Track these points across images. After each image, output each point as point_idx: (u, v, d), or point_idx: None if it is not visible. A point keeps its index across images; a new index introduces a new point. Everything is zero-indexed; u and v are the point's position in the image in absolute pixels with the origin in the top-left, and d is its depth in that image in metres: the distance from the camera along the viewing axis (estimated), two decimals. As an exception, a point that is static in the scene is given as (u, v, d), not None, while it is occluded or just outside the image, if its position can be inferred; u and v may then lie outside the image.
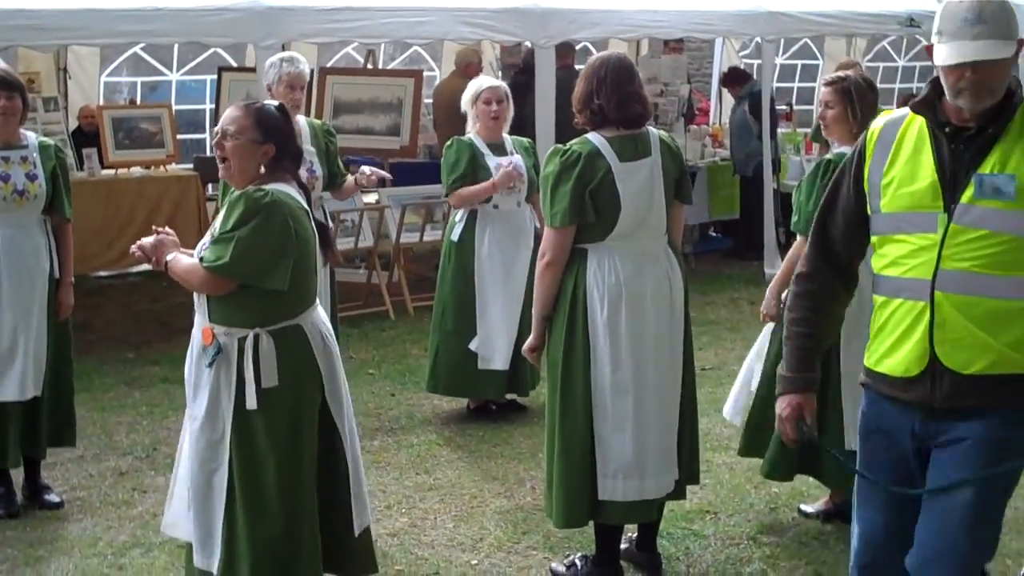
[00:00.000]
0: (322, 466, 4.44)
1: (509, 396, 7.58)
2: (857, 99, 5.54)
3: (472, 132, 7.34)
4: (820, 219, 3.75)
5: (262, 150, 4.32)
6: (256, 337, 4.24)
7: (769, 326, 5.86)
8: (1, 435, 5.94)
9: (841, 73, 5.78)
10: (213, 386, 4.28)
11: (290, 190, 4.34)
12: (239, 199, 4.22)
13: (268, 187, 4.27)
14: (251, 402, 4.24)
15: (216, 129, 4.40)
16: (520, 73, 11.97)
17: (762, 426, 5.72)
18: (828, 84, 5.67)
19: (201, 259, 4.23)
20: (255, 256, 4.19)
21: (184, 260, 4.34)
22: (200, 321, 4.34)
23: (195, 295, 4.36)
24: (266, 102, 4.52)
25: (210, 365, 4.27)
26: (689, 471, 5.29)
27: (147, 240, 4.43)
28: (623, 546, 5.32)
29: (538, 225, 6.97)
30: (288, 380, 4.28)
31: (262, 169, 4.35)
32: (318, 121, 7.43)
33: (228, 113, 4.38)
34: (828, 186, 3.78)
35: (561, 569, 5.30)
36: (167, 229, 4.50)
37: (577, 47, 12.60)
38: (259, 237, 4.18)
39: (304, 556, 4.37)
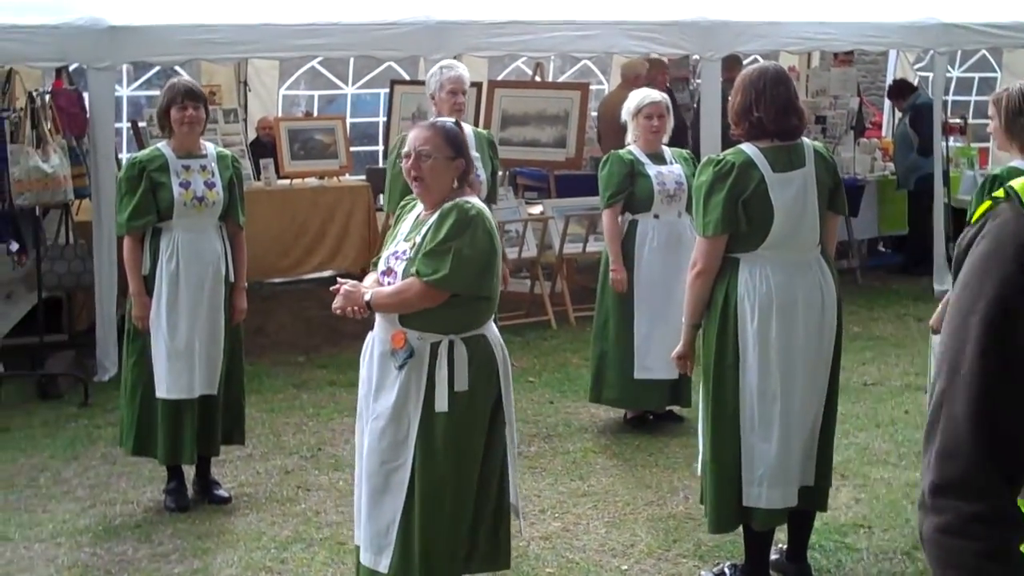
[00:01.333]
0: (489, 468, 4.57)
1: (670, 407, 7.62)
2: (1006, 110, 5.36)
3: (632, 142, 7.41)
4: (983, 397, 1.92)
5: (454, 166, 4.47)
6: (451, 343, 4.39)
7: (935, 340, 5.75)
8: (177, 432, 6.19)
9: (1007, 86, 5.66)
10: (402, 387, 4.41)
11: (480, 202, 4.51)
12: (450, 211, 4.37)
13: (470, 199, 4.44)
14: (441, 404, 4.38)
15: (406, 151, 4.51)
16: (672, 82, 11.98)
17: None
18: (992, 99, 5.57)
19: (417, 271, 4.33)
20: (471, 267, 4.35)
21: (385, 290, 4.42)
22: (387, 325, 4.45)
23: None
24: (444, 119, 4.67)
25: (401, 367, 4.40)
26: (825, 482, 5.26)
27: (338, 298, 4.49)
28: (773, 556, 5.32)
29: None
30: (474, 385, 4.42)
31: (455, 184, 4.49)
32: (483, 131, 7.58)
33: (416, 135, 4.50)
34: (984, 343, 1.92)
35: (710, 577, 5.33)
36: (342, 280, 4.57)
37: (746, 60, 12.57)
38: (473, 248, 4.34)
39: (460, 555, 4.50)
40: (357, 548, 4.64)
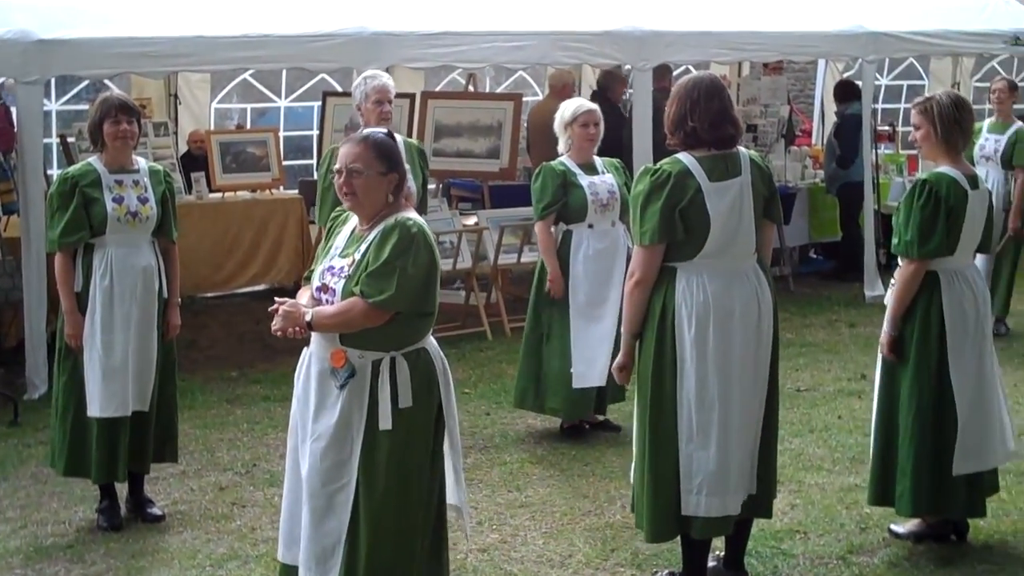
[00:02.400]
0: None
1: (601, 417, 7.64)
2: (939, 119, 5.53)
3: (564, 152, 7.43)
4: None
5: (387, 180, 4.40)
6: (392, 359, 4.34)
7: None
8: (111, 451, 6.11)
9: (930, 94, 5.76)
10: (344, 407, 4.33)
11: (416, 215, 4.45)
12: (392, 230, 4.30)
13: (409, 215, 4.38)
14: (385, 422, 4.32)
15: (337, 167, 4.43)
16: (592, 98, 11.98)
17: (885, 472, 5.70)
18: (914, 106, 5.69)
19: (362, 293, 4.26)
20: (415, 285, 4.29)
21: (327, 309, 4.33)
22: (326, 344, 4.37)
23: None
24: (375, 130, 4.61)
25: (342, 387, 4.35)
26: (769, 490, 5.30)
27: (277, 319, 4.36)
28: (711, 564, 5.34)
29: (630, 245, 7.03)
30: (418, 401, 4.37)
31: (389, 198, 4.42)
32: (413, 141, 7.56)
33: (347, 150, 4.42)
34: None
35: (648, 586, 5.34)
36: (280, 300, 4.45)
37: (678, 70, 12.65)
38: (416, 266, 4.28)
39: (415, 571, 4.44)
40: (283, 566, 4.59)
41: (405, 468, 4.37)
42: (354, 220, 4.51)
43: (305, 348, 4.52)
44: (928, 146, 5.63)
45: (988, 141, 10.03)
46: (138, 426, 6.17)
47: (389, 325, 4.31)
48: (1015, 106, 10.42)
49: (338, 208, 4.68)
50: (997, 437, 5.70)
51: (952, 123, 5.54)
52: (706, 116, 5.03)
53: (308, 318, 4.32)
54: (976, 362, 5.60)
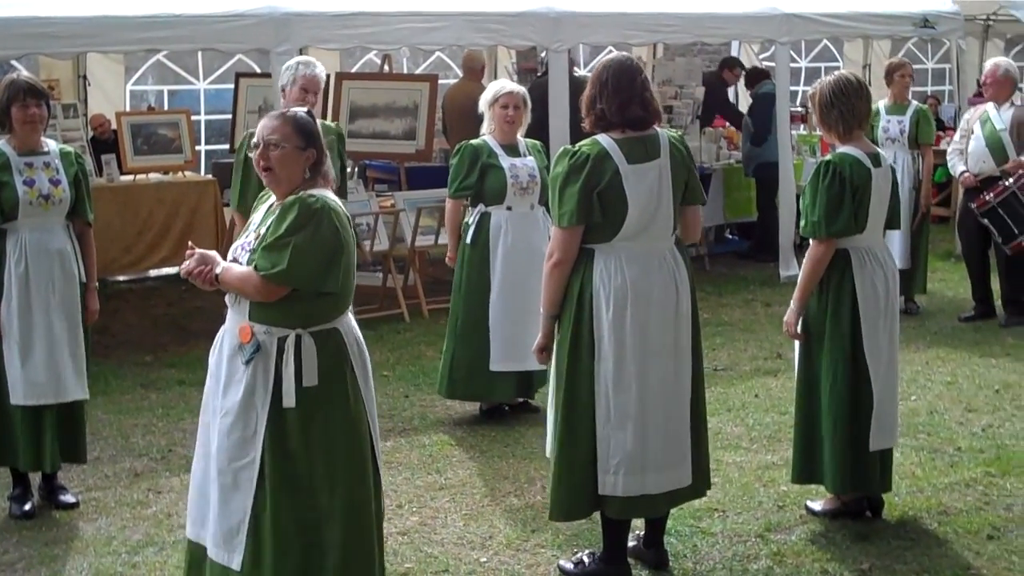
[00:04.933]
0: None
1: (521, 399, 7.64)
2: (818, 104, 5.70)
3: (487, 133, 7.40)
4: None
5: (305, 156, 4.36)
6: (298, 337, 4.30)
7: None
8: (37, 439, 6.02)
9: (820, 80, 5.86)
10: (248, 383, 4.31)
11: (331, 194, 4.40)
12: (292, 204, 4.26)
13: (316, 192, 4.33)
14: (289, 400, 4.28)
15: (255, 141, 4.41)
16: (542, 76, 12.01)
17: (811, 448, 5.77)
18: (809, 93, 5.83)
19: (255, 267, 4.24)
20: (311, 262, 4.23)
21: (236, 269, 4.32)
22: (236, 319, 4.37)
23: (228, 293, 4.40)
24: (295, 109, 4.55)
25: (247, 362, 4.31)
26: (702, 472, 5.33)
27: (191, 261, 4.36)
28: (630, 544, 5.37)
29: (550, 227, 7.03)
30: (324, 380, 4.33)
31: (306, 174, 4.39)
32: (331, 123, 7.50)
33: (265, 124, 4.40)
34: None
35: (569, 566, 5.35)
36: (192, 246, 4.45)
37: (604, 53, 12.66)
38: (314, 243, 4.22)
39: (329, 553, 4.37)
40: (191, 543, 4.54)
41: (311, 447, 4.33)
42: (273, 199, 4.47)
43: (222, 327, 4.48)
44: (821, 129, 5.84)
45: (890, 123, 10.17)
46: (72, 413, 6.12)
47: (289, 301, 4.27)
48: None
49: (262, 192, 4.64)
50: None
51: (827, 107, 5.67)
52: (614, 98, 5.05)
53: (218, 271, 4.32)
54: (888, 339, 5.69)
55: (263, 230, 4.33)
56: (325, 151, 4.51)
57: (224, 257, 4.47)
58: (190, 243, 4.48)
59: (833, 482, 5.73)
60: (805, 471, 5.83)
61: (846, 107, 5.64)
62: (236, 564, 4.36)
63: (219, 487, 4.39)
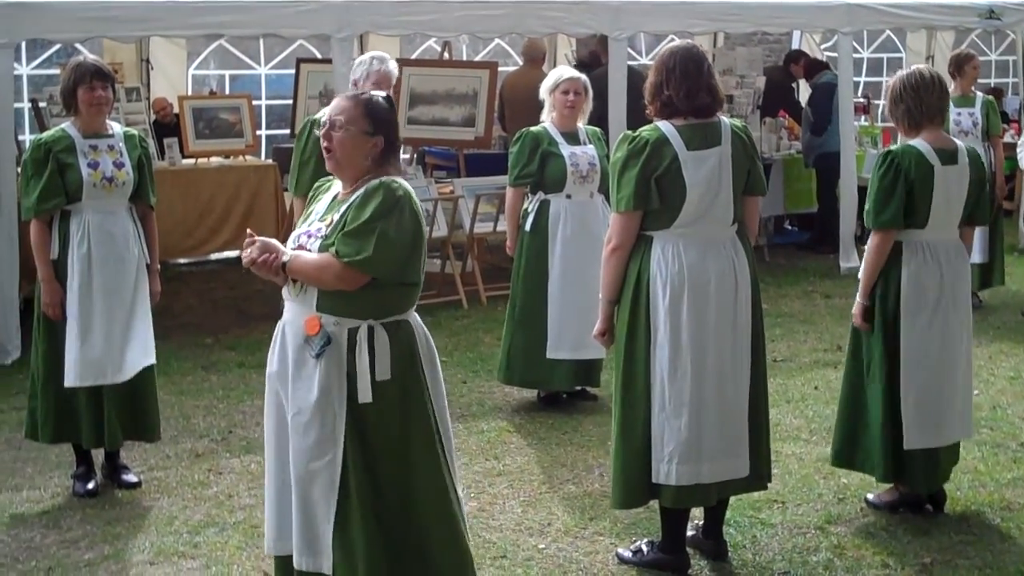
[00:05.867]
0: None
1: (579, 387, 7.63)
2: (890, 98, 5.67)
3: (548, 120, 7.39)
4: None
5: (371, 142, 4.17)
6: (371, 329, 4.13)
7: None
8: (98, 417, 6.07)
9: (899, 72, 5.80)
10: (323, 380, 4.11)
11: (404, 182, 4.23)
12: (376, 189, 4.09)
13: (396, 178, 4.16)
14: (365, 395, 4.10)
15: (323, 119, 4.25)
16: (579, 67, 11.95)
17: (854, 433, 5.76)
18: (885, 87, 5.78)
19: (337, 252, 4.06)
20: (395, 250, 4.07)
21: (308, 256, 4.11)
22: (301, 310, 4.16)
23: (289, 284, 4.21)
24: (374, 93, 4.36)
25: (318, 356, 4.11)
26: (761, 464, 5.28)
27: (253, 248, 4.15)
28: (689, 533, 5.35)
29: (610, 215, 7.02)
30: (398, 373, 4.17)
31: (369, 161, 4.21)
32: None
33: (336, 103, 4.25)
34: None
35: (627, 554, 5.34)
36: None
37: (666, 41, 12.60)
38: (399, 231, 4.06)
39: (422, 546, 4.23)
40: (277, 559, 4.35)
41: (390, 442, 4.17)
42: (337, 187, 4.32)
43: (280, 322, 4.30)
44: (893, 123, 5.76)
45: (961, 116, 9.99)
46: (131, 393, 6.14)
47: (366, 291, 4.09)
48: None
49: (323, 178, 4.51)
50: (957, 414, 5.73)
51: (896, 100, 5.62)
52: (681, 85, 5.02)
53: (285, 258, 4.12)
54: (940, 337, 5.60)
55: (336, 216, 4.16)
56: (399, 139, 4.35)
57: (283, 244, 4.28)
58: (249, 231, 4.26)
59: (876, 470, 5.72)
60: (843, 454, 5.84)
61: (914, 101, 5.57)
62: (327, 568, 4.16)
63: (299, 491, 4.18)
